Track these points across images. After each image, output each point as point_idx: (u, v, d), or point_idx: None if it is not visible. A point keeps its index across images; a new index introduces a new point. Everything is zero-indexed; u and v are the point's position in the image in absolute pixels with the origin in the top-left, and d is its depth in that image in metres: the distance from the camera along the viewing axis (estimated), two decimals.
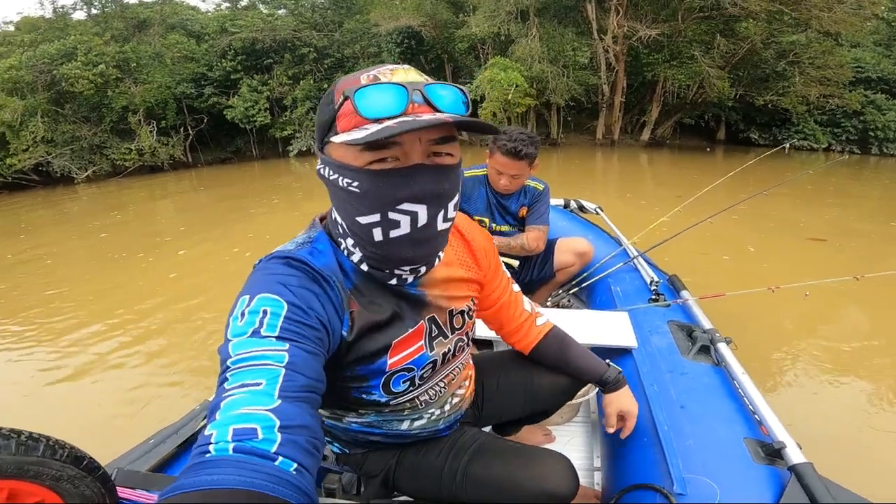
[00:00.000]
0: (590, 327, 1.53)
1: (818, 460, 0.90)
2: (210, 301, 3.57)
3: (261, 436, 0.40)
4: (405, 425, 0.82)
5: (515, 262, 1.89)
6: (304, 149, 14.97)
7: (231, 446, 0.39)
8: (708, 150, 12.14)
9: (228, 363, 0.48)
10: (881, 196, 6.80)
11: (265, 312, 0.51)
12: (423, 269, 0.67)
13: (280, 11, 15.93)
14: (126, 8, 15.67)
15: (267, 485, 0.36)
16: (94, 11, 15.34)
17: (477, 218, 1.88)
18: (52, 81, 12.49)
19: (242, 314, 0.51)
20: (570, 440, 1.49)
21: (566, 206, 2.52)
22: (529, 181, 1.85)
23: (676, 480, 0.90)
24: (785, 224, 4.75)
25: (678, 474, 0.91)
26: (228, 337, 0.50)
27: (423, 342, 0.73)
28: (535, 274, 2.00)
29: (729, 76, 11.40)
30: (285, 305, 0.52)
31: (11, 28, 15.41)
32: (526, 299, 0.98)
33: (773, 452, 0.93)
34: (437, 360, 0.76)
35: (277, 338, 0.49)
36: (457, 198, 0.61)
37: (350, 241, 0.62)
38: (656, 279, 1.78)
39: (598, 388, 1.41)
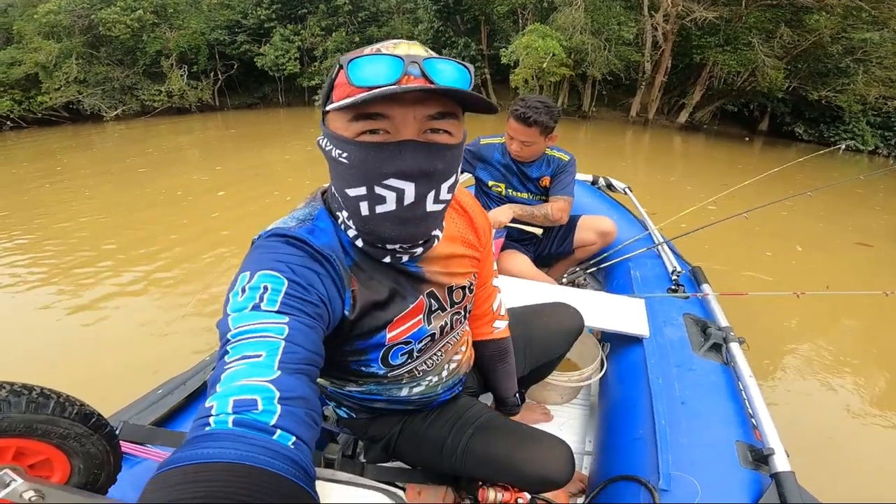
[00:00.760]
0: (603, 310, 1.52)
1: (811, 471, 0.91)
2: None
3: (261, 407, 0.40)
4: (404, 392, 0.83)
5: (539, 231, 1.87)
6: None
7: (231, 419, 0.39)
8: (747, 139, 11.56)
9: (228, 336, 0.48)
10: None
11: (266, 288, 0.51)
12: (419, 250, 0.66)
13: None
14: None
15: (264, 459, 0.36)
16: None
17: (491, 183, 1.87)
18: (89, 25, 12.56)
19: (243, 290, 0.51)
20: (566, 422, 1.51)
21: (594, 182, 2.46)
22: (554, 151, 1.81)
23: (663, 476, 0.92)
24: (826, 227, 4.56)
25: (666, 470, 0.93)
26: (228, 312, 0.50)
27: (421, 317, 0.72)
28: (553, 248, 1.98)
29: (786, 67, 10.70)
30: (286, 282, 0.52)
31: None
32: (500, 298, 0.97)
33: (761, 458, 0.94)
34: (434, 333, 0.76)
35: (278, 311, 0.49)
36: (452, 179, 0.59)
37: (345, 214, 0.61)
38: (679, 269, 1.74)
39: (601, 373, 1.43)
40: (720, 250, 3.38)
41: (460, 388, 0.96)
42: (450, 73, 0.52)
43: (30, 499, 0.50)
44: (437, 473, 0.99)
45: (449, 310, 0.76)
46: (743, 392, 1.16)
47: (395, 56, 0.50)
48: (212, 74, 14.73)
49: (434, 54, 0.54)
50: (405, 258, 0.66)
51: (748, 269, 3.36)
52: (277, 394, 0.42)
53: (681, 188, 5.96)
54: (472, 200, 0.82)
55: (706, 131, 12.14)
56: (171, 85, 13.62)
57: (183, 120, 12.99)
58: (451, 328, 0.80)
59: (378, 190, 0.54)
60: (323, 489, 0.64)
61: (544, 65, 10.40)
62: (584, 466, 1.34)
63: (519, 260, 1.86)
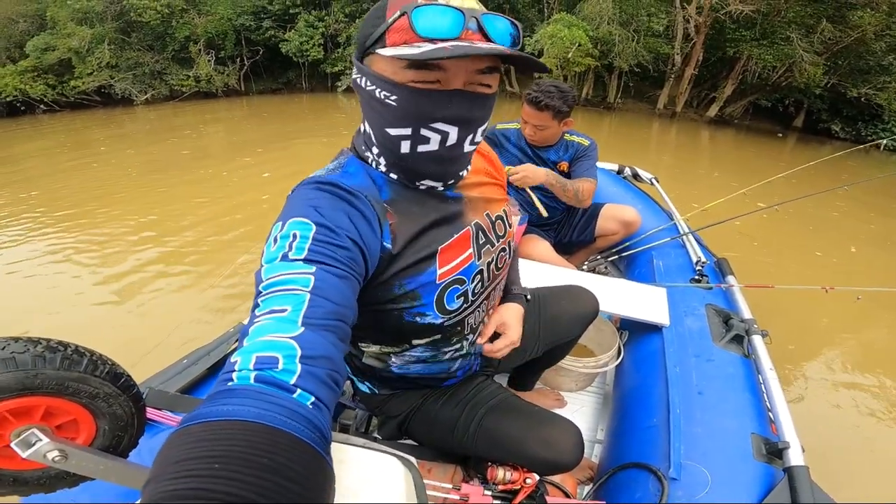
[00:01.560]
0: (623, 297, 1.50)
1: (828, 470, 0.88)
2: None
3: (281, 366, 0.40)
4: (448, 356, 0.82)
5: (544, 211, 1.85)
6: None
7: (252, 375, 0.39)
8: (780, 135, 11.15)
9: (260, 288, 0.48)
10: None
11: (295, 236, 0.52)
12: (450, 182, 0.69)
13: None
14: None
15: (282, 419, 0.36)
16: None
17: (508, 168, 1.85)
18: (121, 11, 12.87)
19: (275, 239, 0.52)
20: (579, 409, 1.50)
21: (620, 171, 2.41)
22: (573, 136, 1.79)
23: (674, 465, 0.91)
24: (859, 223, 4.38)
25: (677, 459, 0.92)
26: (262, 262, 0.51)
27: (471, 249, 0.73)
28: (574, 236, 1.95)
29: (825, 63, 10.24)
30: (313, 227, 0.53)
31: None
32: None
33: (775, 451, 0.93)
34: (483, 269, 0.75)
35: (305, 260, 0.50)
36: (486, 124, 0.64)
37: (375, 151, 0.65)
38: (703, 259, 1.70)
39: (617, 361, 1.41)
40: (733, 247, 3.28)
41: (479, 363, 0.96)
42: (502, 29, 0.56)
43: (53, 458, 0.51)
44: (448, 453, 1.00)
45: (497, 244, 0.78)
46: (762, 385, 1.14)
47: (455, 8, 0.53)
48: (238, 60, 14.96)
49: (485, 9, 0.56)
50: (439, 186, 0.69)
51: (777, 263, 3.26)
52: (299, 352, 0.42)
53: (707, 181, 5.81)
54: (488, 147, 0.86)
55: (736, 126, 11.76)
56: (199, 70, 13.88)
57: (210, 104, 13.30)
58: (498, 268, 0.80)
59: (424, 132, 0.58)
60: (337, 451, 0.64)
61: (569, 55, 10.20)
62: (594, 455, 1.33)
63: (540, 245, 1.84)
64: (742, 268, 1.74)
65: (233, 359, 0.41)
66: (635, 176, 2.38)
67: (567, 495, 1.05)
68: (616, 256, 1.97)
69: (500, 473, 0.91)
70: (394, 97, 0.56)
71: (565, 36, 10.10)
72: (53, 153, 7.05)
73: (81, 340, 0.57)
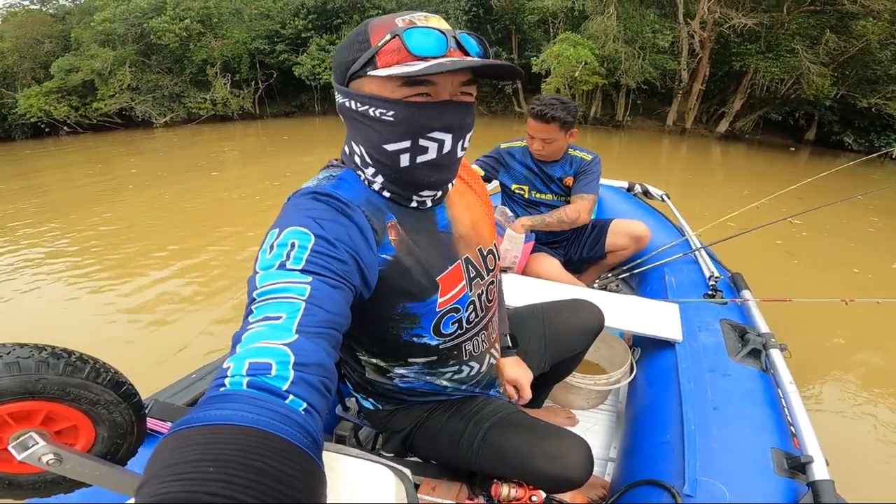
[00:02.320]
0: (634, 314, 1.48)
1: (847, 481, 0.85)
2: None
3: (274, 371, 0.40)
4: (446, 377, 0.84)
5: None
6: None
7: (245, 381, 0.39)
8: (792, 149, 11.06)
9: (254, 295, 0.49)
10: None
11: (293, 245, 0.52)
12: (438, 193, 0.73)
13: None
14: None
15: (275, 424, 0.36)
16: None
17: (515, 186, 1.87)
18: (141, 34, 13.35)
19: (271, 247, 0.53)
20: (591, 427, 1.47)
21: (630, 189, 2.40)
22: (577, 151, 1.80)
23: (689, 481, 0.88)
24: (872, 235, 4.31)
25: (692, 475, 0.89)
26: (256, 269, 0.52)
27: (464, 282, 0.76)
28: (584, 252, 1.94)
29: (833, 74, 10.21)
30: (312, 238, 0.54)
31: None
32: None
33: (798, 466, 0.90)
34: (475, 300, 0.79)
35: (302, 270, 0.50)
36: (472, 130, 0.69)
37: (370, 171, 0.67)
38: (717, 275, 1.68)
39: (630, 378, 1.39)
40: (748, 261, 3.24)
41: (495, 393, 0.96)
42: (475, 45, 0.62)
43: (48, 462, 0.51)
44: (452, 469, 0.98)
45: (486, 277, 0.81)
46: (782, 399, 1.11)
47: (438, 31, 0.59)
48: (252, 83, 15.41)
49: (453, 29, 0.63)
50: (429, 203, 0.73)
51: (792, 277, 3.21)
52: (293, 358, 0.42)
53: (720, 196, 5.77)
54: (469, 169, 0.91)
55: (748, 141, 11.70)
56: (216, 93, 14.32)
57: (226, 127, 13.65)
58: (489, 300, 0.84)
59: (422, 142, 0.63)
60: (330, 461, 0.63)
61: (576, 73, 10.32)
62: (606, 473, 1.30)
63: (548, 263, 1.83)
64: (757, 282, 1.71)
65: (225, 364, 0.42)
66: (646, 193, 2.37)
67: None
68: (627, 273, 1.95)
69: (505, 490, 0.88)
70: (391, 113, 0.60)
71: (571, 55, 10.24)
72: (77, 173, 7.28)
73: (99, 354, 0.58)
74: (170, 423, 0.90)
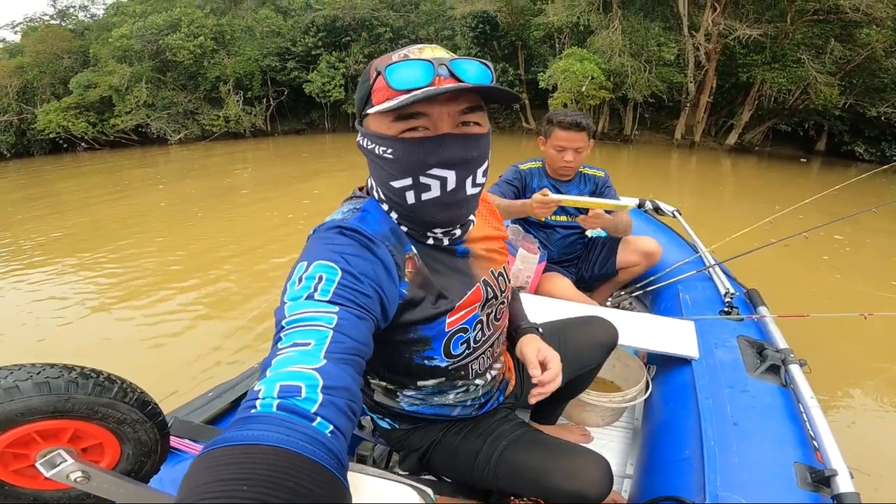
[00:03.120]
0: (649, 332, 1.48)
1: (875, 495, 0.83)
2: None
3: (304, 394, 0.42)
4: (451, 397, 0.85)
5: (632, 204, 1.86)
6: None
7: (275, 403, 0.41)
8: (803, 160, 10.97)
9: (283, 324, 0.50)
10: None
11: (321, 278, 0.54)
12: (457, 232, 0.72)
13: None
14: None
15: (303, 445, 0.38)
16: None
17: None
18: (157, 51, 13.74)
19: (300, 279, 0.54)
20: (607, 444, 1.46)
21: (640, 205, 2.41)
22: (586, 168, 1.82)
23: (710, 496, 0.87)
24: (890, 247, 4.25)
25: (713, 490, 0.88)
26: (285, 300, 0.53)
27: (479, 303, 0.77)
28: (595, 270, 1.94)
29: (840, 83, 10.19)
30: (339, 272, 0.55)
31: None
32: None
33: (822, 479, 0.89)
34: (483, 319, 0.80)
35: (329, 301, 0.52)
36: (486, 164, 0.66)
37: (386, 207, 0.68)
38: (732, 291, 1.67)
39: (646, 395, 1.38)
40: (763, 277, 3.22)
41: (501, 400, 0.97)
42: (474, 71, 0.59)
43: (76, 479, 0.53)
44: (469, 487, 0.98)
45: (500, 297, 0.83)
46: (804, 413, 1.10)
47: (425, 60, 0.57)
48: (264, 100, 15.73)
49: (455, 55, 0.61)
50: (446, 241, 0.72)
51: (811, 292, 3.18)
52: (321, 382, 0.44)
53: (732, 211, 5.73)
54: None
55: (758, 153, 11.65)
56: (229, 110, 14.64)
57: (238, 144, 13.88)
58: (497, 318, 0.85)
59: (423, 179, 0.61)
60: (354, 480, 0.65)
61: (583, 88, 10.40)
62: (623, 490, 1.29)
63: (560, 282, 1.83)
64: (774, 298, 1.70)
65: (256, 387, 0.43)
66: (657, 209, 2.37)
67: None
68: (641, 291, 1.94)
69: None
70: (390, 150, 0.60)
71: (578, 70, 10.34)
72: (95, 189, 7.43)
73: (112, 368, 0.60)
74: (189, 441, 0.92)
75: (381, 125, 0.61)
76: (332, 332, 0.49)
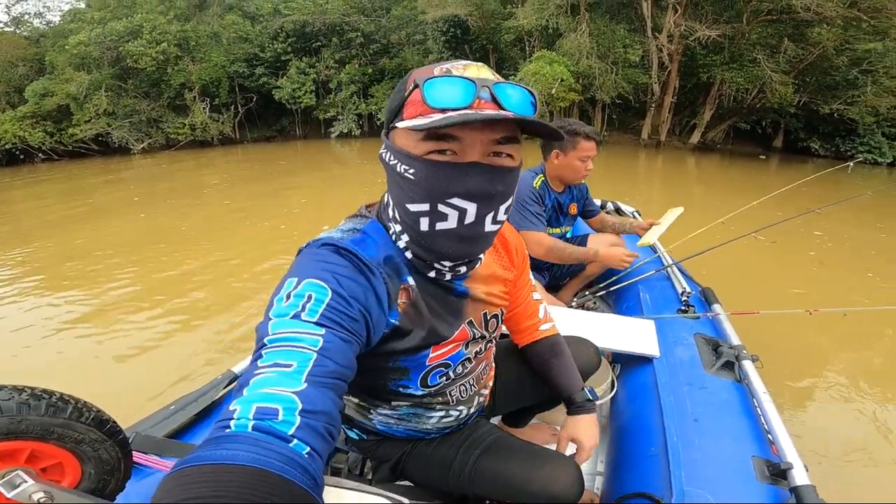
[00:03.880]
0: (613, 332, 1.53)
1: (828, 485, 0.88)
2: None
3: (281, 417, 0.41)
4: (432, 422, 0.84)
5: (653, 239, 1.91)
6: (346, 131, 15.32)
7: (251, 424, 0.40)
8: (762, 157, 11.46)
9: (265, 341, 0.48)
10: None
11: (310, 297, 0.52)
12: (463, 269, 0.69)
13: None
14: None
15: (279, 465, 0.37)
16: None
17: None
18: (117, 58, 13.22)
19: (288, 296, 0.52)
20: None
21: (603, 207, 2.49)
22: None
23: (676, 492, 0.90)
24: (837, 245, 4.49)
25: (679, 486, 0.92)
26: (270, 316, 0.51)
27: (463, 343, 0.76)
28: (566, 267, 1.99)
29: (794, 82, 10.70)
30: (330, 293, 0.53)
31: (83, 5, 16.39)
32: (543, 306, 1.00)
33: (779, 472, 0.93)
34: (469, 357, 0.79)
35: (316, 323, 0.50)
36: (510, 201, 0.61)
37: (398, 228, 0.64)
38: (688, 290, 1.74)
39: (611, 394, 1.42)
40: (732, 271, 3.35)
41: (475, 418, 0.98)
42: (517, 98, 0.55)
43: (39, 500, 0.52)
44: (444, 494, 0.99)
45: (487, 337, 0.81)
46: (757, 408, 1.15)
47: (468, 79, 0.53)
48: (232, 108, 15.35)
49: (501, 78, 0.56)
50: (448, 276, 0.68)
51: (759, 289, 3.31)
52: (300, 405, 0.42)
53: (694, 211, 5.91)
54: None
55: (720, 151, 12.09)
56: (195, 118, 14.20)
57: (205, 152, 13.46)
58: (484, 354, 0.84)
59: (441, 208, 0.57)
60: (329, 495, 0.64)
61: (553, 90, 10.59)
62: (595, 486, 1.32)
63: None
64: (727, 296, 1.79)
65: (231, 407, 0.42)
66: (618, 211, 2.46)
67: None
68: (604, 291, 2.01)
69: None
70: (412, 171, 0.56)
71: (548, 72, 10.53)
72: (53, 201, 7.12)
73: (74, 388, 0.59)
74: (154, 456, 0.90)
75: (408, 142, 0.56)
76: (315, 355, 0.47)
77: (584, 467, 1.36)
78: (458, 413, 0.86)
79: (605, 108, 12.84)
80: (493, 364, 0.99)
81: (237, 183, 8.33)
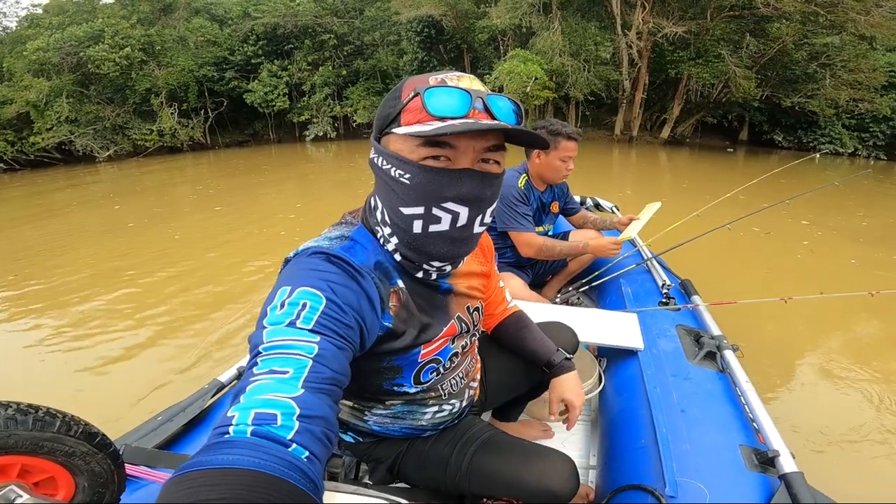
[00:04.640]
0: (597, 326, 1.55)
1: (815, 469, 0.91)
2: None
3: (279, 422, 0.42)
4: (426, 417, 0.86)
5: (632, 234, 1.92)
6: (321, 134, 15.14)
7: (250, 429, 0.40)
8: (730, 150, 11.85)
9: (260, 349, 0.49)
10: None
11: (304, 305, 0.52)
12: (448, 268, 0.72)
13: None
14: None
15: (279, 469, 0.38)
16: None
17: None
18: (78, 63, 12.70)
19: (282, 304, 0.53)
20: (568, 437, 1.51)
21: (582, 203, 2.53)
22: None
23: (669, 483, 0.92)
24: (806, 233, 4.67)
25: (671, 477, 0.93)
26: (264, 324, 0.52)
27: (452, 338, 0.79)
28: (549, 264, 2.01)
29: (756, 76, 11.12)
30: (324, 301, 0.54)
31: (40, 11, 15.69)
32: (507, 290, 1.07)
33: (767, 461, 0.95)
34: (457, 351, 0.82)
35: (311, 330, 0.51)
36: (495, 205, 0.65)
37: (388, 231, 0.65)
38: (668, 282, 1.78)
39: (599, 387, 1.45)
40: (709, 261, 3.45)
41: (468, 412, 0.99)
42: (506, 109, 0.59)
43: None
44: (441, 493, 0.99)
45: (471, 330, 0.84)
46: (741, 397, 1.18)
47: (465, 90, 0.57)
48: (202, 112, 14.93)
49: (490, 91, 0.60)
50: (434, 276, 0.71)
51: (736, 278, 3.42)
52: (298, 410, 0.43)
53: (668, 205, 6.07)
54: None
55: (689, 145, 12.45)
56: (163, 123, 13.75)
57: (175, 159, 13.05)
58: (470, 347, 0.87)
59: (435, 211, 0.60)
60: (328, 498, 0.65)
61: (528, 89, 10.71)
62: (589, 480, 1.34)
63: (513, 282, 1.88)
64: (704, 286, 1.84)
65: (229, 413, 0.42)
66: (597, 206, 2.50)
67: None
68: (587, 287, 2.04)
69: None
70: (407, 175, 0.59)
71: (522, 71, 10.65)
72: (17, 212, 6.80)
73: (52, 399, 0.58)
74: (145, 468, 0.89)
75: (404, 147, 0.59)
76: (311, 362, 0.48)
77: (577, 461, 1.39)
78: (451, 407, 0.88)
79: (579, 105, 13.07)
80: (479, 358, 1.01)
81: (211, 189, 8.12)
